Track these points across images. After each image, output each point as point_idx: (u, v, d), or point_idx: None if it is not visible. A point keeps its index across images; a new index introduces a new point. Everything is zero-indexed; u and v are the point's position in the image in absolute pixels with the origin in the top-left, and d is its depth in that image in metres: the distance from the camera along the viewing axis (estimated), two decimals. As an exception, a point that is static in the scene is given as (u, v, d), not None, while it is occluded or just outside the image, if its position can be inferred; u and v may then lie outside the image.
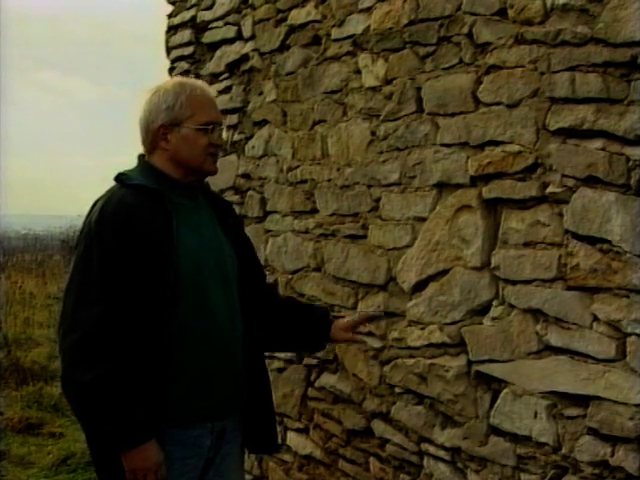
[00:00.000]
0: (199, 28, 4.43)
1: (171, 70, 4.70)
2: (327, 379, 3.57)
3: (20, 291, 9.99)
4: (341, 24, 3.39)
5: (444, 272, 2.92)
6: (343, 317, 2.63)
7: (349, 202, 3.38)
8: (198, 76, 4.31)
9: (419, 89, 3.01)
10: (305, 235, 3.66)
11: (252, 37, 3.98)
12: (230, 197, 4.04)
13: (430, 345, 2.98)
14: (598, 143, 2.37)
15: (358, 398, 3.37)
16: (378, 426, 3.27)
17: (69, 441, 5.11)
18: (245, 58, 4.05)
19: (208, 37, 4.35)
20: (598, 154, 2.36)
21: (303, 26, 3.62)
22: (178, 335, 2.17)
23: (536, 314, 2.58)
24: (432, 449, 3.00)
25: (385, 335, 3.20)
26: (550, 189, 2.51)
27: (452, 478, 2.92)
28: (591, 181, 2.39)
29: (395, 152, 3.12)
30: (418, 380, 3.03)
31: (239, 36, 4.09)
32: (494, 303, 2.73)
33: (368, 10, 3.25)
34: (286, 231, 3.78)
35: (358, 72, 3.32)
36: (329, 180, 3.49)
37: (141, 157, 2.35)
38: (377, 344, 3.02)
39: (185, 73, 4.47)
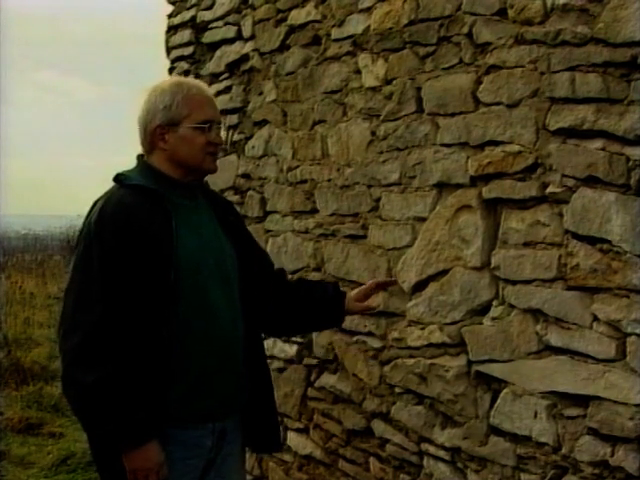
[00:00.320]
0: (199, 28, 4.43)
1: (171, 70, 4.70)
2: (327, 379, 3.57)
3: (20, 291, 9.99)
4: (341, 24, 3.39)
5: (444, 272, 2.92)
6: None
7: (349, 202, 3.38)
8: (198, 76, 4.31)
9: (419, 89, 3.01)
10: (305, 235, 3.66)
11: (252, 37, 3.98)
12: (230, 197, 4.03)
13: (430, 345, 2.98)
14: (598, 143, 2.37)
15: (358, 398, 3.37)
16: (378, 426, 3.27)
17: (69, 441, 5.11)
18: (245, 58, 4.05)
19: (208, 37, 4.35)
20: (598, 154, 2.36)
21: (303, 26, 3.62)
22: (178, 335, 2.17)
23: (536, 314, 2.58)
24: (432, 449, 3.00)
25: (385, 335, 3.20)
26: (550, 189, 2.51)
27: (452, 478, 2.92)
28: (591, 181, 2.39)
29: (395, 152, 3.12)
30: (418, 380, 3.03)
31: (239, 36, 4.09)
32: (494, 303, 2.73)
33: (368, 10, 3.25)
34: (286, 231, 3.78)
35: (358, 72, 3.32)
36: (329, 180, 3.49)
37: (140, 157, 2.35)
38: (377, 344, 3.03)
39: (185, 73, 4.47)
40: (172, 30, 4.68)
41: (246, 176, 4.07)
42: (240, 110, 4.09)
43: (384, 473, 3.24)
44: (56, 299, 10.46)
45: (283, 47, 3.76)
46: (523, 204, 2.61)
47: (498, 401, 2.71)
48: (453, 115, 2.86)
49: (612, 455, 2.35)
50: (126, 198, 2.19)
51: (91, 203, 2.28)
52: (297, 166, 3.69)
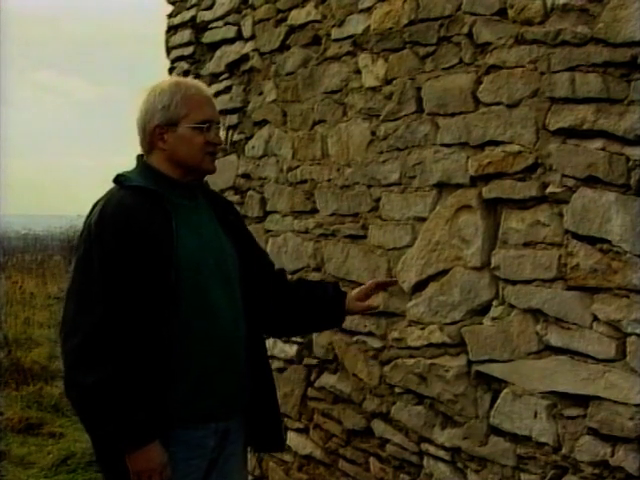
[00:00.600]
0: (199, 28, 4.43)
1: (171, 70, 4.70)
2: (327, 379, 3.57)
3: (20, 291, 9.99)
4: (341, 24, 3.39)
5: (444, 272, 2.91)
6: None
7: (349, 202, 3.38)
8: (198, 76, 4.31)
9: (419, 89, 3.01)
10: (305, 235, 3.66)
11: (252, 37, 3.98)
12: (230, 197, 4.03)
13: (430, 345, 2.98)
14: (598, 143, 2.37)
15: (358, 398, 3.37)
16: (378, 426, 3.27)
17: (69, 441, 5.11)
18: (245, 58, 4.05)
19: (208, 37, 4.35)
20: (598, 154, 2.36)
21: (303, 26, 3.62)
22: (179, 335, 2.17)
23: (536, 314, 2.58)
24: (432, 449, 3.00)
25: (385, 335, 3.20)
26: (550, 189, 2.51)
27: (452, 478, 2.92)
28: (591, 181, 2.39)
29: (395, 152, 3.12)
30: (418, 380, 3.03)
31: (239, 36, 4.09)
32: (494, 303, 2.73)
33: (368, 10, 3.25)
34: (286, 231, 3.78)
35: (358, 72, 3.32)
36: (329, 180, 3.49)
37: (139, 158, 2.35)
38: (377, 344, 3.02)
39: (185, 73, 4.47)
40: (172, 30, 4.68)
41: (246, 176, 4.07)
42: (240, 110, 4.09)
43: (384, 473, 3.24)
44: (56, 299, 10.46)
45: (283, 47, 3.76)
46: (523, 204, 2.61)
47: (498, 401, 2.71)
48: (453, 115, 2.86)
49: (612, 455, 2.35)
50: (126, 199, 2.19)
51: (91, 203, 2.28)
52: (297, 166, 3.69)
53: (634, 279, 2.28)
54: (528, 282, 2.59)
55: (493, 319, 2.73)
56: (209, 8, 4.33)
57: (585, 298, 2.42)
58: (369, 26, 3.24)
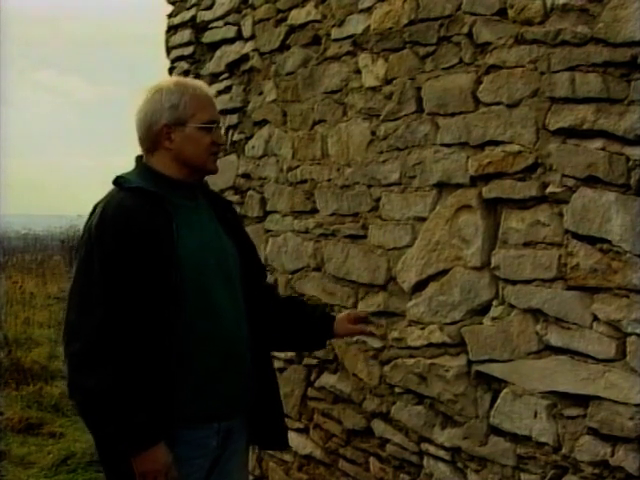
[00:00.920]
0: (199, 28, 4.43)
1: (171, 70, 4.70)
2: (327, 379, 3.57)
3: (20, 291, 9.99)
4: (341, 24, 3.39)
5: (444, 272, 2.91)
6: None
7: (349, 202, 3.38)
8: (198, 76, 4.31)
9: (419, 89, 3.01)
10: (305, 235, 3.66)
11: (252, 37, 3.98)
12: (230, 197, 4.04)
13: (430, 345, 2.98)
14: (598, 143, 2.37)
15: (358, 398, 3.37)
16: (378, 426, 3.27)
17: (69, 441, 5.11)
18: (245, 58, 4.05)
19: (208, 37, 4.35)
20: (598, 154, 2.36)
21: (303, 26, 3.62)
22: (183, 336, 2.17)
23: (536, 314, 2.58)
24: (432, 449, 3.00)
25: (385, 335, 3.20)
26: (550, 189, 2.51)
27: (452, 478, 2.92)
28: (591, 181, 2.39)
29: (395, 152, 3.12)
30: (418, 380, 3.03)
31: (239, 36, 4.09)
32: (494, 303, 2.73)
33: (368, 10, 3.25)
34: (286, 231, 3.78)
35: (358, 72, 3.32)
36: (329, 180, 3.49)
37: (139, 159, 2.34)
38: (377, 344, 3.02)
39: (185, 73, 4.48)
40: (172, 30, 4.68)
41: (246, 176, 4.07)
42: (240, 110, 4.09)
43: (384, 473, 3.24)
44: (56, 299, 10.46)
45: (283, 47, 3.76)
46: (523, 204, 2.61)
47: (498, 401, 2.71)
48: (453, 115, 2.86)
49: (612, 455, 2.35)
50: (126, 201, 2.19)
51: (91, 203, 2.28)
52: (297, 166, 3.69)
53: (634, 279, 2.28)
54: (528, 282, 2.59)
55: (493, 319, 2.73)
56: (209, 8, 4.33)
57: (585, 298, 2.42)
58: (369, 26, 3.24)
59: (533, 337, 2.59)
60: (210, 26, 4.32)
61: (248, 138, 4.05)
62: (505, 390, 2.69)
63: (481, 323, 2.78)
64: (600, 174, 2.35)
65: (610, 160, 2.33)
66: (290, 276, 3.74)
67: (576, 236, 2.44)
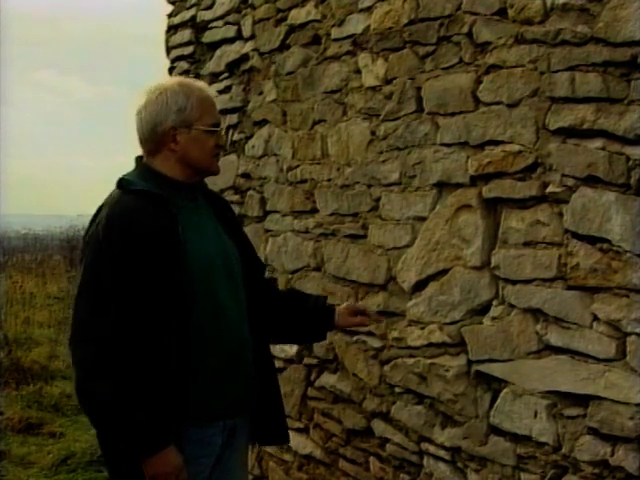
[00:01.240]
0: (199, 28, 4.43)
1: (171, 70, 4.70)
2: (327, 379, 3.57)
3: (20, 291, 9.98)
4: (341, 24, 3.39)
5: (444, 272, 2.91)
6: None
7: (349, 202, 3.38)
8: (198, 76, 4.31)
9: (419, 89, 3.01)
10: (305, 235, 3.66)
11: (252, 37, 3.98)
12: (230, 197, 4.04)
13: (430, 345, 2.98)
14: (598, 143, 2.37)
15: (358, 398, 3.37)
16: (378, 426, 3.27)
17: (69, 441, 5.11)
18: (245, 58, 4.05)
19: (208, 37, 4.35)
20: (598, 154, 2.36)
21: (303, 26, 3.62)
22: (192, 338, 2.17)
23: (536, 314, 2.57)
24: (432, 449, 3.00)
25: (385, 335, 3.20)
26: (550, 189, 2.51)
27: (452, 478, 2.92)
28: (591, 181, 2.39)
29: (395, 152, 3.12)
30: (418, 380, 3.03)
31: (239, 36, 4.09)
32: (494, 303, 2.73)
33: (368, 10, 3.25)
34: (286, 231, 3.78)
35: (358, 72, 3.32)
36: (329, 180, 3.49)
37: (139, 160, 2.34)
38: (377, 344, 3.01)
39: (185, 73, 4.47)
40: (172, 30, 4.68)
41: (246, 176, 4.06)
42: (240, 110, 4.09)
43: (384, 473, 3.24)
44: (56, 299, 10.46)
45: (283, 47, 3.76)
46: (523, 204, 2.61)
47: (498, 401, 2.71)
48: (453, 115, 2.86)
49: (612, 455, 2.35)
50: (131, 204, 2.18)
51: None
52: (297, 166, 3.69)
53: (634, 279, 2.28)
54: (528, 282, 2.59)
55: (493, 319, 2.73)
56: (209, 8, 4.33)
57: (585, 298, 2.42)
58: (369, 26, 3.24)
59: (533, 337, 2.59)
60: (210, 26, 4.32)
61: (248, 138, 4.05)
62: (505, 390, 2.69)
63: (481, 323, 2.78)
64: (600, 174, 2.35)
65: (610, 160, 2.33)
66: (290, 276, 3.74)
67: (576, 236, 2.44)
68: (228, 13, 4.17)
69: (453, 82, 2.85)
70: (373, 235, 3.25)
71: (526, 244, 2.60)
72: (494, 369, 2.72)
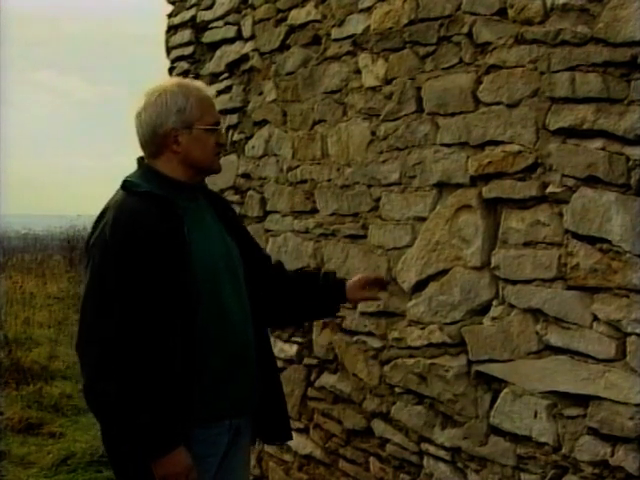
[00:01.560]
0: (199, 28, 4.43)
1: (171, 70, 4.70)
2: (327, 379, 3.57)
3: (20, 291, 9.98)
4: (341, 24, 3.39)
5: (444, 272, 2.91)
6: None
7: (349, 202, 3.38)
8: (198, 76, 4.31)
9: (419, 89, 3.01)
10: (305, 235, 3.66)
11: (252, 37, 3.98)
12: (230, 197, 4.04)
13: (430, 345, 2.98)
14: (598, 143, 2.37)
15: (358, 398, 3.37)
16: (378, 426, 3.27)
17: (69, 441, 5.11)
18: (245, 58, 4.05)
19: (208, 37, 4.35)
20: (598, 154, 2.36)
21: (303, 26, 3.62)
22: (198, 339, 2.18)
23: (536, 314, 2.57)
24: (432, 449, 3.00)
25: (385, 335, 3.20)
26: (550, 189, 2.51)
27: (452, 478, 2.92)
28: (591, 181, 2.39)
29: (395, 152, 3.12)
30: (418, 380, 3.03)
31: (239, 36, 4.09)
32: (494, 303, 2.73)
33: (368, 10, 3.25)
34: (286, 231, 3.78)
35: (358, 72, 3.32)
36: (329, 180, 3.49)
37: (141, 161, 2.34)
38: (377, 344, 3.00)
39: (185, 73, 4.47)
40: (172, 30, 4.68)
41: (246, 176, 4.06)
42: (240, 110, 4.09)
43: (384, 473, 3.24)
44: (56, 299, 10.46)
45: (283, 47, 3.76)
46: (523, 204, 2.61)
47: (498, 401, 2.71)
48: (453, 115, 2.86)
49: (612, 455, 2.35)
50: (137, 206, 2.18)
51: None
52: (297, 166, 3.69)
53: (634, 279, 2.28)
54: (528, 282, 2.59)
55: (493, 319, 2.73)
56: (209, 8, 4.33)
57: (585, 298, 2.42)
58: (369, 26, 3.24)
59: (533, 337, 2.59)
60: (210, 26, 4.32)
61: (248, 138, 4.05)
62: (505, 390, 2.69)
63: (481, 323, 2.78)
64: (600, 174, 2.35)
65: (610, 160, 2.33)
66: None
67: (576, 236, 2.44)
68: (228, 13, 4.17)
69: (453, 82, 2.85)
70: (373, 235, 3.25)
71: (526, 244, 2.60)
72: (494, 369, 2.72)
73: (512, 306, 2.66)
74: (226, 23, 4.19)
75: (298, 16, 3.64)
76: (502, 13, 2.67)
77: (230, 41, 4.16)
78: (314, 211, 3.60)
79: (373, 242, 3.25)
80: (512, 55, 2.63)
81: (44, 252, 15.86)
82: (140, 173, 2.31)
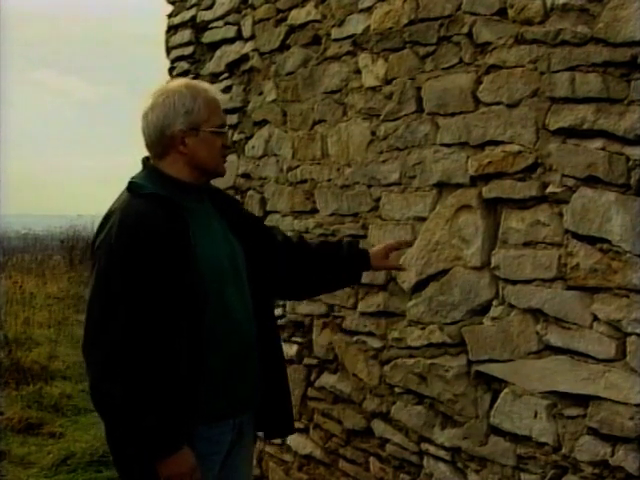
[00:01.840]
0: (199, 28, 4.43)
1: (171, 70, 4.70)
2: (327, 379, 3.57)
3: (20, 291, 9.97)
4: (341, 24, 3.39)
5: (444, 272, 2.91)
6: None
7: (349, 202, 3.38)
8: (198, 76, 4.31)
9: (419, 89, 3.01)
10: (305, 235, 3.65)
11: (252, 37, 3.98)
12: (230, 197, 4.03)
13: (430, 345, 2.98)
14: (598, 143, 2.37)
15: (358, 398, 3.37)
16: (378, 426, 3.27)
17: (69, 441, 5.10)
18: (245, 58, 4.05)
19: (208, 37, 4.35)
20: (598, 154, 2.36)
21: (303, 26, 3.62)
22: (204, 339, 2.18)
23: (536, 314, 2.58)
24: (432, 449, 3.00)
25: (385, 335, 3.20)
26: (550, 189, 2.51)
27: (452, 478, 2.92)
28: (591, 181, 2.39)
29: (395, 152, 3.12)
30: (418, 380, 3.03)
31: (239, 36, 4.09)
32: (494, 303, 2.73)
33: (368, 10, 3.25)
34: (286, 231, 3.77)
35: (358, 72, 3.32)
36: (329, 180, 3.49)
37: (146, 161, 2.33)
38: (377, 344, 2.99)
39: (185, 73, 4.48)
40: (172, 30, 4.68)
41: (246, 176, 4.07)
42: (240, 110, 4.09)
43: (384, 473, 3.24)
44: (56, 299, 10.45)
45: (283, 47, 3.76)
46: (523, 204, 2.61)
47: (498, 401, 2.71)
48: (453, 115, 2.86)
49: (612, 455, 2.35)
50: (142, 208, 2.18)
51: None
52: (297, 166, 3.69)
53: (634, 279, 2.28)
54: (528, 282, 2.59)
55: (493, 319, 2.73)
56: (209, 8, 4.33)
57: (585, 298, 2.42)
58: (369, 26, 3.24)
59: (533, 337, 2.59)
60: (210, 26, 4.32)
61: (248, 138, 4.05)
62: (505, 390, 2.69)
63: (481, 323, 2.78)
64: (600, 174, 2.35)
65: (610, 160, 2.33)
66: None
67: (576, 236, 2.44)
68: (228, 13, 4.17)
69: (453, 82, 2.85)
70: (373, 235, 3.25)
71: (526, 244, 2.60)
72: (494, 369, 2.72)
73: (512, 306, 2.66)
74: (226, 23, 4.19)
75: (298, 16, 3.64)
76: (502, 13, 2.67)
77: (230, 41, 4.16)
78: (314, 211, 3.60)
79: (373, 242, 3.24)
80: (512, 55, 2.63)
81: (44, 252, 15.86)
82: (145, 174, 2.31)
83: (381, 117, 3.19)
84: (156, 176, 2.28)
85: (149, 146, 2.30)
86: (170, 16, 4.70)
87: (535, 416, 2.57)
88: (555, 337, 2.51)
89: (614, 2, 2.32)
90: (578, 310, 2.43)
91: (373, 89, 3.23)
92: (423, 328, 3.01)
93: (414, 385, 3.06)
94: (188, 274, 2.16)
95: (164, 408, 2.11)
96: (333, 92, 3.46)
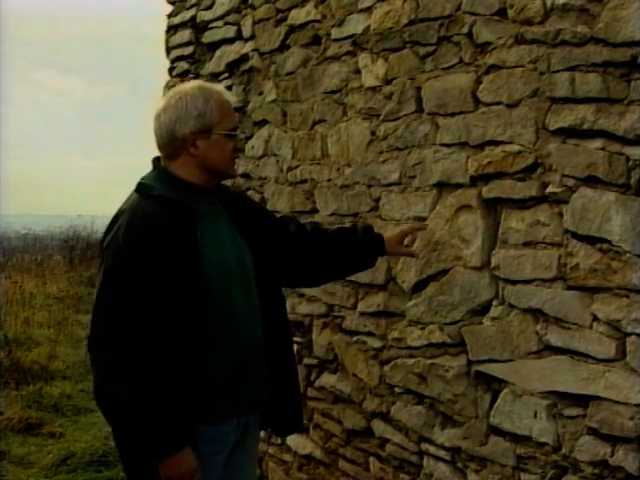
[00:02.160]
0: (199, 28, 4.43)
1: (171, 70, 4.70)
2: (327, 379, 3.57)
3: (20, 291, 9.97)
4: (341, 24, 3.39)
5: (444, 272, 2.91)
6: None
7: (349, 202, 3.38)
8: (198, 76, 4.31)
9: (419, 89, 3.01)
10: (305, 235, 3.65)
11: (252, 37, 3.98)
12: (230, 197, 4.03)
13: (430, 345, 2.98)
14: (598, 143, 2.37)
15: (358, 398, 3.37)
16: (378, 426, 3.27)
17: (69, 441, 5.11)
18: (245, 58, 4.05)
19: (208, 37, 4.35)
20: (598, 154, 2.36)
21: (303, 26, 3.62)
22: (211, 340, 2.19)
23: (536, 314, 2.58)
24: (432, 449, 3.00)
25: (385, 335, 3.20)
26: (550, 189, 2.51)
27: (452, 478, 2.92)
28: (591, 181, 2.39)
29: (395, 152, 3.12)
30: (418, 380, 3.03)
31: (239, 36, 4.09)
32: (494, 303, 2.73)
33: (368, 10, 3.25)
34: (286, 231, 3.77)
35: (358, 72, 3.32)
36: (329, 180, 3.49)
37: (156, 162, 2.34)
38: (377, 344, 2.99)
39: (185, 73, 4.48)
40: (172, 30, 4.68)
41: (246, 176, 4.07)
42: (240, 110, 4.09)
43: (384, 473, 3.24)
44: (56, 299, 10.45)
45: (283, 47, 3.76)
46: (523, 204, 2.61)
47: (498, 401, 2.71)
48: (453, 115, 2.86)
49: (612, 455, 2.35)
50: (150, 209, 2.18)
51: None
52: (297, 166, 3.69)
53: (634, 279, 2.28)
54: (528, 282, 2.59)
55: (493, 319, 2.73)
56: (209, 8, 4.33)
57: (585, 298, 2.42)
58: (369, 26, 3.24)
59: (533, 337, 2.59)
60: (210, 26, 4.32)
61: (248, 138, 4.05)
62: (505, 390, 2.69)
63: (481, 323, 2.78)
64: (600, 174, 2.35)
65: (610, 160, 2.33)
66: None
67: (576, 236, 2.44)
68: (228, 13, 4.17)
69: (453, 82, 2.85)
70: (373, 235, 3.24)
71: (526, 244, 2.60)
72: (494, 369, 2.72)
73: (512, 306, 2.66)
74: (226, 23, 4.19)
75: (298, 16, 3.64)
76: (502, 13, 2.67)
77: (230, 41, 4.16)
78: (314, 211, 3.60)
79: (373, 242, 3.24)
80: (512, 55, 2.63)
81: (44, 252, 15.86)
82: (155, 175, 2.31)
83: (381, 117, 3.19)
84: (166, 177, 2.28)
85: (160, 147, 2.30)
86: (170, 16, 4.70)
87: (535, 416, 2.57)
88: (555, 337, 2.51)
89: (614, 2, 2.32)
90: (578, 310, 2.43)
91: (373, 89, 3.23)
92: (423, 328, 3.01)
93: (414, 385, 3.06)
94: (195, 276, 2.16)
95: (167, 409, 2.11)
96: (333, 92, 3.46)
